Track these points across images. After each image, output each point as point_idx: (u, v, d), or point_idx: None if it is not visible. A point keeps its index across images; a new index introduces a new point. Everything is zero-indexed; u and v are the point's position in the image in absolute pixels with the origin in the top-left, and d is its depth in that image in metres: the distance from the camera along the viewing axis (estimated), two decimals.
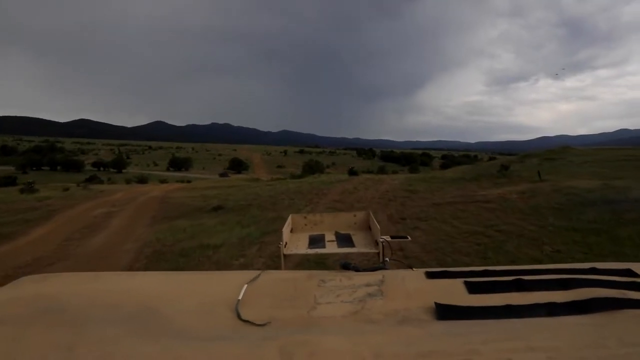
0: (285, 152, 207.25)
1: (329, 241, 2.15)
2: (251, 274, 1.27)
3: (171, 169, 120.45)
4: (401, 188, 15.72)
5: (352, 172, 25.49)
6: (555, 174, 15.52)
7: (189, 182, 40.38)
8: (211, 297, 1.12)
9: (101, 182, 53.62)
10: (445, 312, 0.95)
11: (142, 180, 51.57)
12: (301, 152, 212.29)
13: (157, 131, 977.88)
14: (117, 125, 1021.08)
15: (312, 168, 61.91)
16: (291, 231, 2.37)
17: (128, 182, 49.74)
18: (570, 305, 0.94)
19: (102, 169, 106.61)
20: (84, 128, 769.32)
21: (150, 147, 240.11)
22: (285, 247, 1.99)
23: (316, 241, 2.15)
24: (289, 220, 2.35)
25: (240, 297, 1.08)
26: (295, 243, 2.14)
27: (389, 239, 1.91)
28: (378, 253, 1.90)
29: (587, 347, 0.76)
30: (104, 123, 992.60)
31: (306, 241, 2.17)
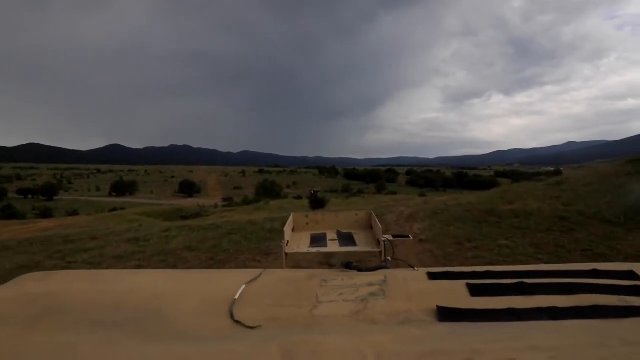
0: (243, 172, 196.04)
1: (330, 240, 2.14)
2: (253, 272, 1.28)
3: (113, 194, 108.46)
4: None
5: (316, 201, 15.54)
6: None
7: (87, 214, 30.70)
8: (213, 296, 1.11)
9: (13, 215, 42.12)
10: (447, 315, 0.96)
11: (45, 212, 40.04)
12: (260, 172, 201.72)
13: (113, 154, 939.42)
14: (70, 150, 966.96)
15: (267, 190, 52.69)
16: (293, 230, 2.33)
17: (21, 217, 38.47)
18: (572, 310, 0.95)
19: (30, 196, 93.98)
20: (32, 153, 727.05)
21: (98, 171, 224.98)
22: (287, 245, 1.98)
23: (318, 240, 2.14)
24: (291, 218, 2.31)
25: (236, 297, 1.08)
26: (297, 242, 2.13)
27: (391, 238, 1.89)
28: (380, 252, 1.89)
29: (589, 347, 0.76)
30: (55, 147, 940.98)
31: (308, 240, 2.15)
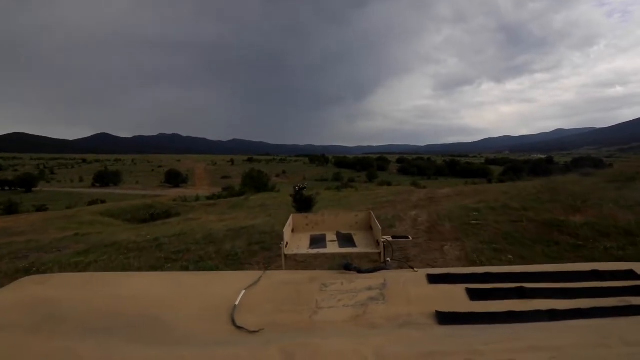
0: (232, 161, 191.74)
1: (330, 241, 2.13)
2: (252, 275, 1.29)
3: (97, 184, 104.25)
4: None
5: (302, 200, 12.67)
6: None
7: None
8: (213, 300, 1.12)
9: None
10: (446, 318, 0.97)
11: (10, 207, 36.52)
12: (250, 160, 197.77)
13: (101, 144, 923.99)
14: (57, 139, 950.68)
15: (253, 180, 49.20)
16: (292, 231, 2.33)
17: None
18: (572, 312, 0.97)
19: (8, 188, 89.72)
20: (17, 142, 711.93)
21: (84, 161, 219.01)
22: (286, 247, 1.98)
23: (317, 241, 2.13)
24: (290, 220, 2.30)
25: (237, 303, 1.09)
26: (296, 243, 2.13)
27: (391, 239, 1.89)
28: (379, 253, 1.90)
29: (589, 347, 0.77)
30: (42, 137, 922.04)
31: (307, 241, 2.15)
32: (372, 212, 2.34)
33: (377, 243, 1.94)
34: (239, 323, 0.98)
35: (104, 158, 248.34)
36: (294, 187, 13.77)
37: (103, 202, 48.66)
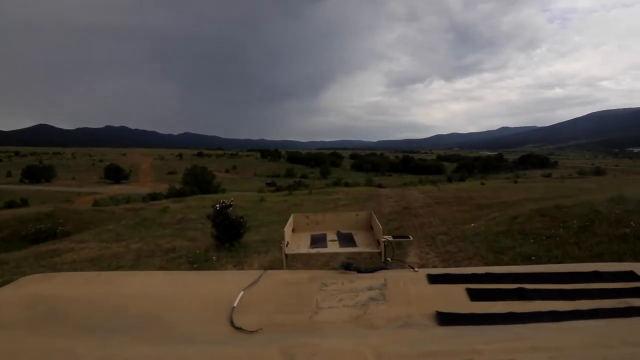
0: (180, 155, 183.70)
1: (330, 240, 2.14)
2: (253, 274, 1.29)
3: (26, 180, 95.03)
4: None
5: (226, 225, 8.95)
6: None
7: None
8: (213, 299, 1.13)
9: None
10: (446, 319, 0.98)
11: None
12: (199, 155, 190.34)
13: (41, 136, 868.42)
14: None
15: (196, 177, 44.57)
16: (293, 230, 2.33)
17: None
18: (572, 313, 0.97)
19: None
20: None
21: (17, 154, 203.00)
22: (286, 246, 1.99)
23: (318, 240, 2.14)
24: (291, 219, 2.31)
25: (235, 304, 1.09)
26: (296, 242, 2.13)
27: (391, 239, 1.88)
28: (380, 253, 1.89)
29: (590, 347, 0.77)
30: None
31: (308, 240, 2.15)
32: (372, 212, 2.30)
33: (378, 242, 1.93)
34: (237, 324, 0.98)
35: (41, 151, 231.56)
36: (214, 206, 9.79)
37: (25, 201, 42.77)
